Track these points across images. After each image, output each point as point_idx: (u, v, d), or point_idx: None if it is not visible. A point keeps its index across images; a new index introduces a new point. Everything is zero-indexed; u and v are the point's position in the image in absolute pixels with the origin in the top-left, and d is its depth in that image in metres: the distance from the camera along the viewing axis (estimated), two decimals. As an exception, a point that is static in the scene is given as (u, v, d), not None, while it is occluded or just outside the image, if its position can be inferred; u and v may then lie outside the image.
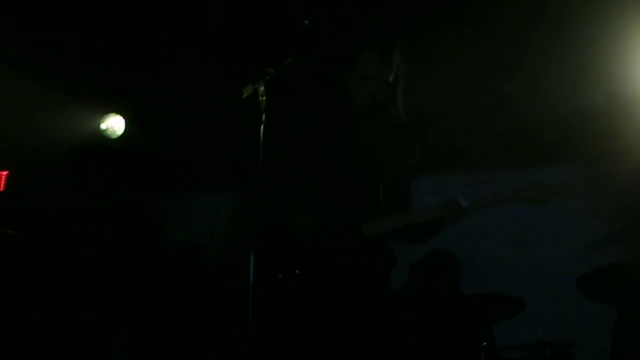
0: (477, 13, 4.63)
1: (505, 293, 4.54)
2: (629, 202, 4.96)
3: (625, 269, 4.35)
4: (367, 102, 3.48)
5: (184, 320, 4.42)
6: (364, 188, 3.47)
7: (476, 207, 3.35)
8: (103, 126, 5.76)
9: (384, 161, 3.50)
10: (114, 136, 5.77)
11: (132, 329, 4.20)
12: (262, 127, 2.84)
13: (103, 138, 5.75)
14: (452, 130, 5.19)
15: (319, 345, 3.31)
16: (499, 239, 5.18)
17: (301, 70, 3.08)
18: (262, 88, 2.85)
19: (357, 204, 3.43)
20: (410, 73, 3.57)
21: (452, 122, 5.20)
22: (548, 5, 4.52)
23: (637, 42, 4.54)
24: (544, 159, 5.02)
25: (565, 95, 4.72)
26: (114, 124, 5.79)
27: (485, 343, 4.40)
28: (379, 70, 3.45)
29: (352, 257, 3.36)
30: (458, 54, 4.89)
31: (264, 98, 2.85)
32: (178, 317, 4.42)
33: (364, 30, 3.47)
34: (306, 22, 3.13)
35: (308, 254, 3.34)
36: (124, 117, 5.80)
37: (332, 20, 3.12)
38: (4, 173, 5.70)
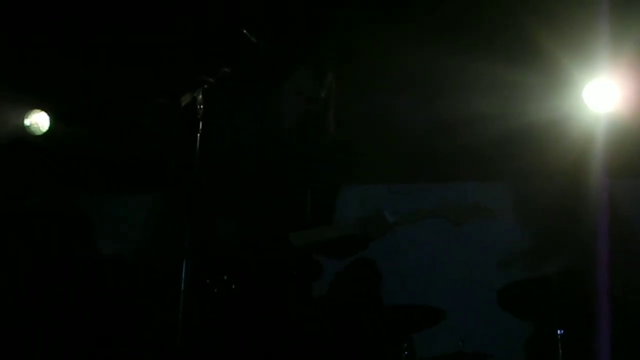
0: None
1: (426, 303, 4.63)
2: (547, 220, 5.13)
3: (539, 283, 4.49)
4: (297, 116, 3.54)
5: (110, 326, 4.36)
6: (292, 199, 3.52)
7: (401, 223, 3.44)
8: (27, 122, 5.64)
9: (312, 173, 3.56)
10: (38, 133, 5.65)
11: (55, 336, 4.12)
12: (198, 135, 2.86)
13: (27, 134, 5.62)
14: (380, 144, 5.28)
15: (245, 350, 3.34)
16: (422, 251, 5.28)
17: (235, 80, 3.10)
18: (200, 96, 2.87)
19: (285, 215, 3.48)
20: (341, 89, 3.66)
21: (380, 137, 5.29)
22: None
23: (566, 66, 4.69)
24: (469, 175, 5.15)
25: (495, 113, 4.85)
26: (39, 121, 5.66)
27: (406, 352, 4.49)
28: (312, 86, 3.52)
29: (278, 266, 3.40)
30: (387, 71, 4.99)
31: (201, 107, 2.87)
32: (103, 323, 4.35)
33: (299, 46, 3.53)
34: (246, 32, 3.15)
35: (235, 261, 3.36)
36: (49, 114, 5.69)
37: (269, 35, 3.16)
38: None
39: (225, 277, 3.33)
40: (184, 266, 2.69)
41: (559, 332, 4.25)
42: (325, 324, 4.59)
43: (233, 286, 3.31)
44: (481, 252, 5.15)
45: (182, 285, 2.68)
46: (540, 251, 5.14)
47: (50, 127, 5.66)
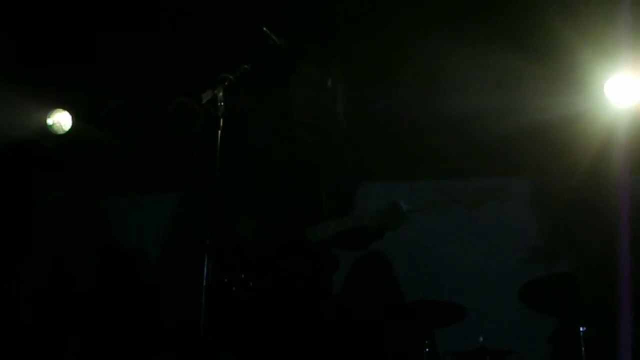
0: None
1: (448, 300, 4.62)
2: (568, 216, 5.10)
3: (562, 279, 4.47)
4: (308, 109, 3.55)
5: (131, 324, 4.39)
6: (308, 194, 3.53)
7: (416, 211, 3.43)
8: (49, 121, 5.68)
9: (327, 167, 3.57)
10: (61, 132, 5.69)
11: (77, 333, 4.16)
12: (219, 132, 2.88)
13: (49, 133, 5.66)
14: (399, 140, 5.28)
15: (266, 347, 3.35)
16: (443, 246, 5.27)
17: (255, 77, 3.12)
18: (220, 94, 2.89)
19: (301, 210, 3.49)
20: (352, 81, 3.67)
21: (398, 132, 5.29)
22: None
23: (587, 61, 4.65)
24: (491, 171, 5.13)
25: (516, 108, 4.83)
26: (61, 120, 5.71)
27: (427, 349, 4.49)
28: (317, 76, 3.54)
29: (296, 262, 3.42)
30: (404, 65, 4.98)
31: (222, 104, 2.89)
32: (125, 321, 4.38)
33: (301, 40, 3.55)
34: (265, 29, 3.16)
35: (253, 259, 3.38)
36: (71, 113, 5.73)
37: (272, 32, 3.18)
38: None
39: (243, 276, 3.35)
40: (205, 264, 2.71)
41: (581, 328, 4.23)
42: (347, 320, 4.61)
43: (251, 284, 3.33)
44: (503, 248, 5.14)
45: (205, 283, 2.70)
46: (562, 247, 5.11)
47: (72, 127, 5.71)
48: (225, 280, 3.31)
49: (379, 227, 3.46)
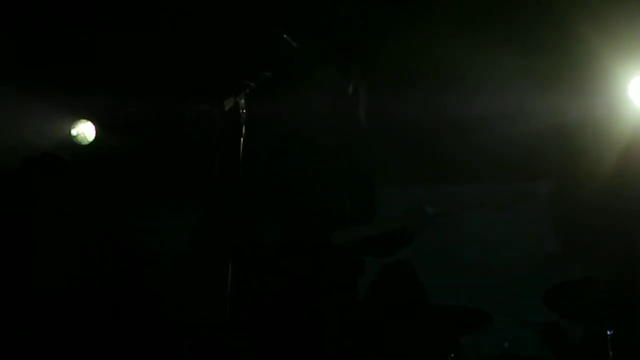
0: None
1: (472, 306, 4.60)
2: (589, 219, 5.05)
3: (588, 283, 4.43)
4: (328, 114, 3.55)
5: (147, 330, 4.42)
6: (330, 200, 3.53)
7: (442, 215, 3.42)
8: (74, 132, 5.73)
9: (350, 172, 3.57)
10: (85, 142, 5.74)
11: (97, 337, 4.18)
12: (242, 139, 2.90)
13: (73, 144, 5.71)
14: (422, 143, 5.27)
15: (289, 351, 3.35)
16: (467, 251, 5.25)
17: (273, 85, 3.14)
18: (242, 101, 2.91)
19: (324, 216, 3.49)
20: (375, 86, 3.66)
21: (421, 135, 5.28)
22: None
23: (610, 61, 4.62)
24: (511, 174, 5.11)
25: (534, 116, 4.81)
26: (85, 130, 5.76)
27: (452, 355, 4.47)
28: (338, 83, 3.54)
29: (320, 267, 3.42)
30: (423, 70, 4.98)
31: (243, 111, 2.91)
32: (142, 326, 4.41)
33: (321, 46, 3.56)
34: (285, 36, 3.19)
35: (276, 263, 3.39)
36: (95, 124, 5.78)
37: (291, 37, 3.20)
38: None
39: (268, 281, 3.36)
40: (229, 270, 2.72)
41: (608, 332, 4.19)
42: (370, 325, 4.60)
43: (273, 289, 3.33)
44: (526, 252, 5.10)
45: (229, 287, 2.71)
46: (585, 251, 5.07)
47: (96, 137, 5.75)
48: (248, 285, 3.32)
49: (405, 232, 3.45)
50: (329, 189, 3.53)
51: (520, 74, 4.69)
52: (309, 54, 3.33)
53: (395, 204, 3.60)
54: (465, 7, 4.62)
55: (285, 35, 3.24)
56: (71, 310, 4.13)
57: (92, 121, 5.78)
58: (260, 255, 3.40)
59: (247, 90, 2.96)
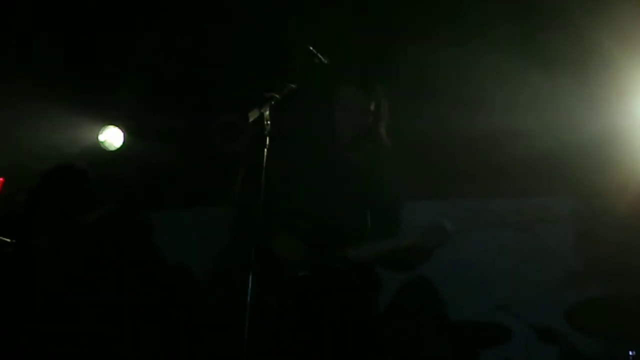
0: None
1: (493, 321, 4.58)
2: (612, 236, 5.00)
3: (611, 301, 4.40)
4: (350, 131, 3.55)
5: (174, 340, 4.43)
6: (351, 214, 3.53)
7: (462, 231, 3.40)
8: (101, 138, 5.79)
9: (371, 187, 3.57)
10: (112, 148, 5.79)
11: (121, 346, 4.20)
12: (265, 150, 2.90)
13: (101, 149, 5.77)
14: (442, 158, 5.26)
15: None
16: (488, 266, 5.23)
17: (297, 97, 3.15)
18: (267, 112, 2.91)
19: (344, 230, 3.49)
20: (395, 102, 3.66)
21: (441, 150, 5.27)
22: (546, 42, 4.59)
23: (634, 75, 4.59)
24: (534, 190, 5.08)
25: (558, 129, 4.78)
26: (112, 136, 5.81)
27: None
28: (359, 100, 3.53)
29: (337, 281, 3.41)
30: (448, 83, 4.97)
31: (268, 122, 2.91)
32: (168, 336, 4.43)
33: (342, 62, 3.56)
34: (309, 46, 3.19)
35: (294, 276, 3.39)
36: (122, 129, 5.83)
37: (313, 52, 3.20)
38: (0, 180, 5.71)
39: (286, 294, 3.36)
40: (250, 281, 2.72)
41: (630, 353, 4.15)
42: (390, 341, 4.58)
43: (293, 302, 3.33)
44: (547, 269, 5.07)
45: (249, 298, 2.71)
46: (611, 268, 5.02)
47: (123, 143, 5.81)
48: (267, 298, 3.32)
49: (425, 248, 3.44)
50: (350, 203, 3.53)
51: (543, 89, 4.67)
52: (332, 68, 3.34)
53: (414, 219, 3.60)
54: (487, 23, 4.62)
55: (311, 48, 3.24)
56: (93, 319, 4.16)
57: (119, 127, 5.83)
58: (278, 268, 3.41)
59: (272, 102, 2.95)
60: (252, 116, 2.84)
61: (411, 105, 4.75)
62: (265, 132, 2.90)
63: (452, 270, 4.94)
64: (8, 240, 4.02)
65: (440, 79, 4.95)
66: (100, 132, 5.81)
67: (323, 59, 3.22)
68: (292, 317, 3.33)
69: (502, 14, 4.61)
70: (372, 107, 3.54)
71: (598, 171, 4.85)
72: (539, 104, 4.80)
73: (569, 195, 5.15)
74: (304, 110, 3.53)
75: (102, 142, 5.77)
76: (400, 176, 3.63)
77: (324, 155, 3.55)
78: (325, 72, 3.21)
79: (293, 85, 3.09)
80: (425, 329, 4.83)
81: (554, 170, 5.02)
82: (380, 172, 3.59)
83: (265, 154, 2.89)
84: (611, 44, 4.35)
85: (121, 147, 5.80)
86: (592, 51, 4.43)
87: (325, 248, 3.41)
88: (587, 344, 4.67)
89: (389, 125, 3.61)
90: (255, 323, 2.72)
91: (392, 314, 4.89)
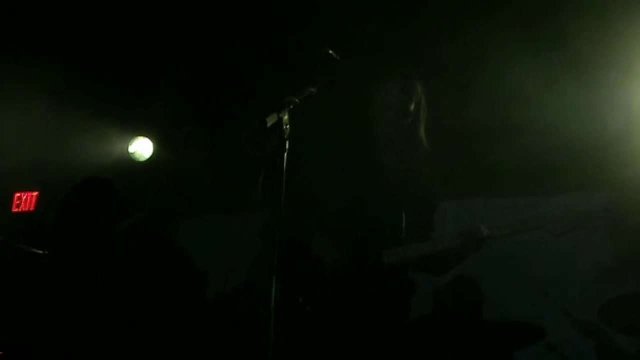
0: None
1: (525, 321, 4.54)
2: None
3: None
4: (389, 132, 3.52)
5: (201, 343, 4.47)
6: (387, 217, 3.51)
7: (498, 236, 3.37)
8: (131, 149, 5.85)
9: (406, 189, 3.55)
10: (142, 159, 5.84)
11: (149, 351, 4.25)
12: (285, 154, 2.90)
13: (131, 161, 5.83)
14: (474, 158, 5.21)
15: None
16: (519, 265, 5.17)
17: (323, 99, 3.13)
18: (285, 117, 2.91)
19: (380, 233, 3.47)
20: (431, 102, 3.62)
21: (474, 149, 5.22)
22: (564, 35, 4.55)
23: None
24: (566, 187, 5.01)
25: (586, 122, 4.72)
26: (142, 147, 5.87)
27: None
28: (399, 100, 3.50)
29: (371, 284, 3.40)
30: (480, 82, 4.93)
31: (287, 126, 2.91)
32: (195, 339, 4.46)
33: (384, 62, 3.53)
34: (328, 49, 3.19)
35: (328, 278, 3.39)
36: (152, 140, 5.89)
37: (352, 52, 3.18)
38: (35, 194, 5.81)
39: (318, 295, 3.35)
40: (274, 283, 2.73)
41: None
42: (427, 343, 4.56)
43: (325, 303, 3.32)
44: (580, 266, 5.00)
45: (273, 301, 2.71)
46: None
47: (153, 154, 5.86)
48: (300, 299, 3.33)
49: (459, 251, 3.42)
50: (385, 205, 3.52)
51: (570, 85, 4.62)
52: (369, 67, 3.32)
53: (448, 220, 3.57)
54: (514, 23, 4.58)
55: (330, 51, 3.24)
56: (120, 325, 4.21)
57: (149, 138, 5.89)
58: (312, 269, 3.41)
59: (291, 106, 2.95)
60: (271, 121, 2.85)
61: (447, 106, 4.71)
62: (285, 136, 2.90)
63: (487, 270, 4.88)
64: (41, 252, 4.09)
65: (471, 77, 4.91)
66: (130, 143, 5.86)
67: (343, 61, 3.21)
68: (325, 319, 3.33)
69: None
70: (412, 108, 3.50)
71: (630, 165, 4.77)
72: (571, 97, 4.75)
73: (603, 191, 5.07)
74: (337, 110, 3.52)
75: (131, 154, 5.83)
76: (435, 177, 3.61)
77: (360, 157, 3.54)
78: (356, 71, 3.20)
79: (312, 89, 3.08)
80: (461, 329, 4.80)
81: (585, 167, 4.95)
82: (416, 174, 3.56)
83: (285, 158, 2.89)
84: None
85: (150, 157, 5.84)
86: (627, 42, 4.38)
87: (360, 250, 3.40)
88: (625, 340, 4.61)
89: (427, 128, 3.57)
90: (286, 325, 2.73)
91: (427, 315, 4.87)
